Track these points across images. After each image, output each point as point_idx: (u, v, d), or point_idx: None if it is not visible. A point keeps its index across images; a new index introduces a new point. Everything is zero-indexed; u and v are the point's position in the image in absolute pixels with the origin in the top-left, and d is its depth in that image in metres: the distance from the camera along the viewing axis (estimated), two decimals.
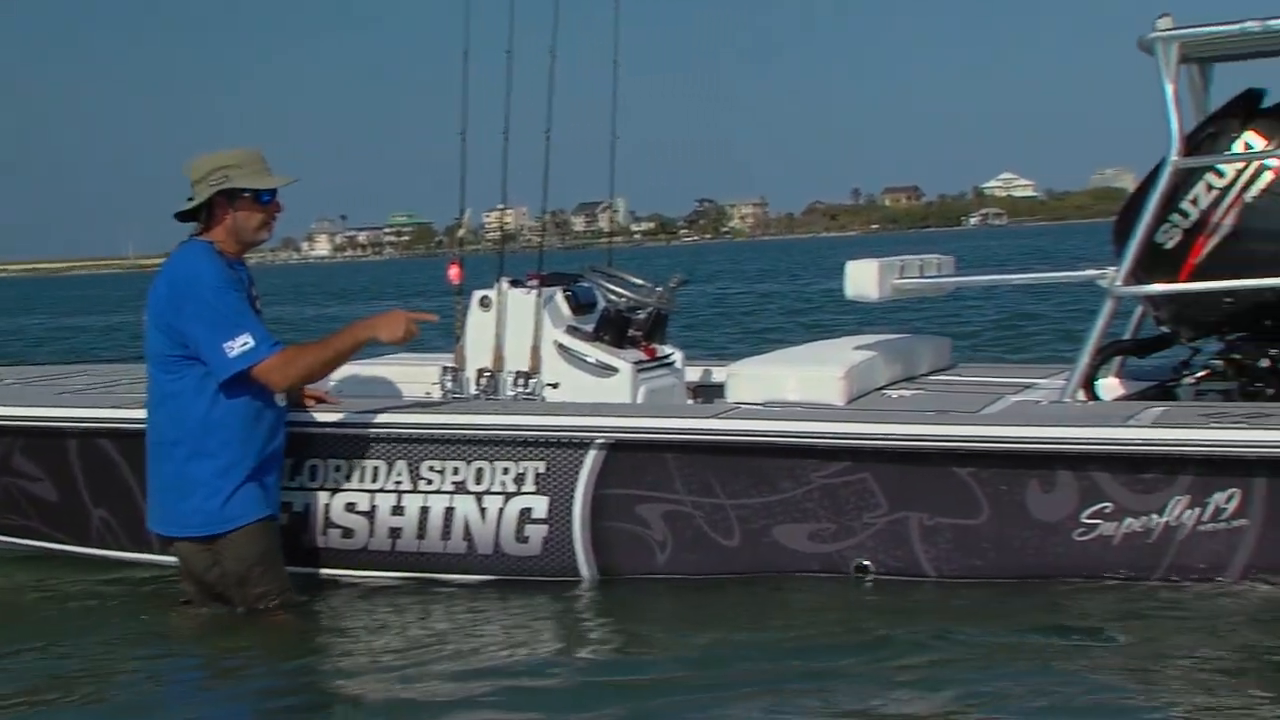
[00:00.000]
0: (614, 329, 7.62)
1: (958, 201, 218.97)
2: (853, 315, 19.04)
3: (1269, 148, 6.89)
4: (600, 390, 7.35)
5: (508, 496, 6.82)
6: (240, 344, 6.29)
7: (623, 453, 6.70)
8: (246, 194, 6.50)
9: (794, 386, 7.11)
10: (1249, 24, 6.88)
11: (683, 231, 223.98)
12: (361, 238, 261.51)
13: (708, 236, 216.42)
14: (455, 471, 6.86)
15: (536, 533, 6.80)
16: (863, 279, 7.51)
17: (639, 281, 7.82)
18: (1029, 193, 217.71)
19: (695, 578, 6.66)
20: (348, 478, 6.94)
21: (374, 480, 6.94)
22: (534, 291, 7.46)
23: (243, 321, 6.34)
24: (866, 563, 6.51)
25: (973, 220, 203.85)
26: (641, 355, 7.63)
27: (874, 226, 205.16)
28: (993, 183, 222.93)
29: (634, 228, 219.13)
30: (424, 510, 6.90)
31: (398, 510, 6.93)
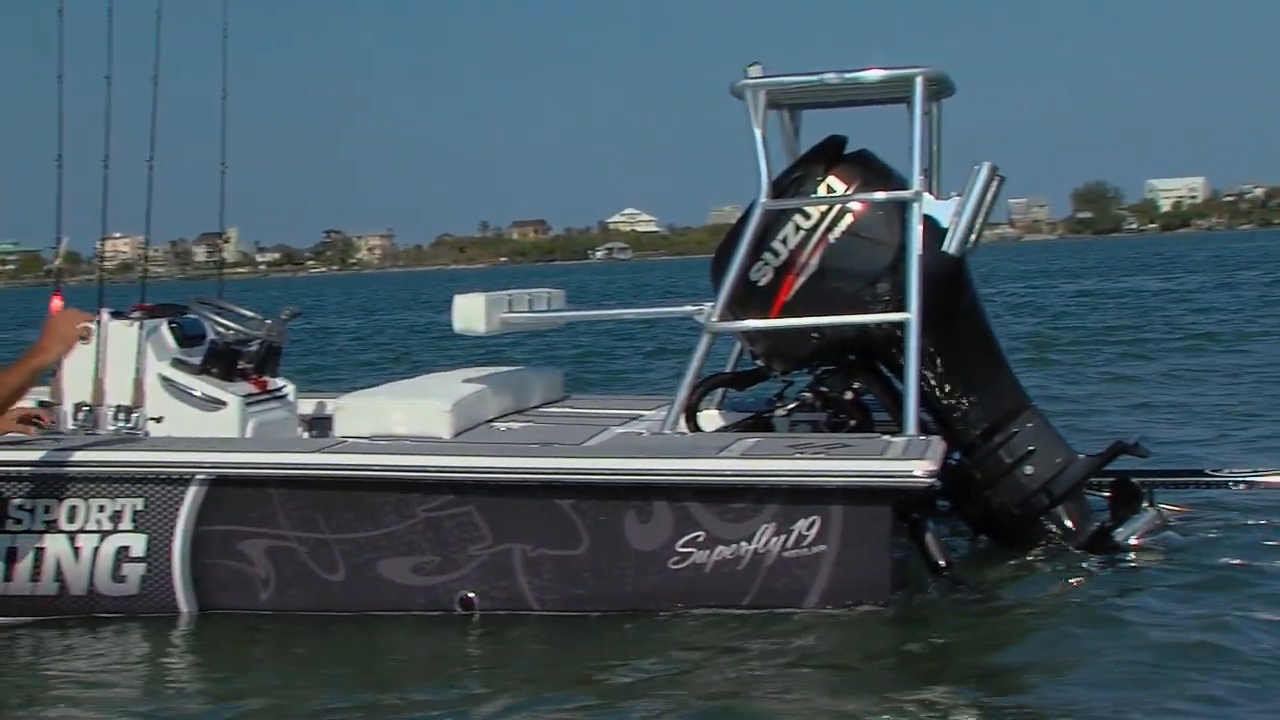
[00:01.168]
0: (222, 362, 7.51)
1: (583, 235, 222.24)
2: (523, 347, 19.11)
3: (849, 191, 7.28)
4: (207, 424, 7.23)
5: (103, 535, 6.63)
6: None
7: (225, 488, 6.60)
8: None
9: (400, 419, 7.15)
10: (828, 75, 7.29)
11: (310, 262, 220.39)
12: None
13: (335, 268, 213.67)
14: (46, 510, 6.63)
15: (134, 571, 6.63)
16: (470, 313, 7.60)
17: (248, 313, 7.74)
18: (652, 228, 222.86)
19: (300, 613, 6.60)
20: None
21: None
22: (136, 323, 7.30)
23: None
24: (471, 595, 6.57)
25: (598, 254, 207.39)
26: (251, 388, 7.55)
27: (502, 259, 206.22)
28: (617, 217, 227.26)
29: (259, 258, 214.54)
30: (11, 551, 6.64)
31: None
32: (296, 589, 6.61)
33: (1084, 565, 7.22)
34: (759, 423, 7.82)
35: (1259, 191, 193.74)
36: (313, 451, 6.77)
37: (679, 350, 21.23)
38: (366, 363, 24.57)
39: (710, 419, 7.98)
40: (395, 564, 6.58)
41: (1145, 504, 7.61)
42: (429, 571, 6.57)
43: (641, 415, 8.16)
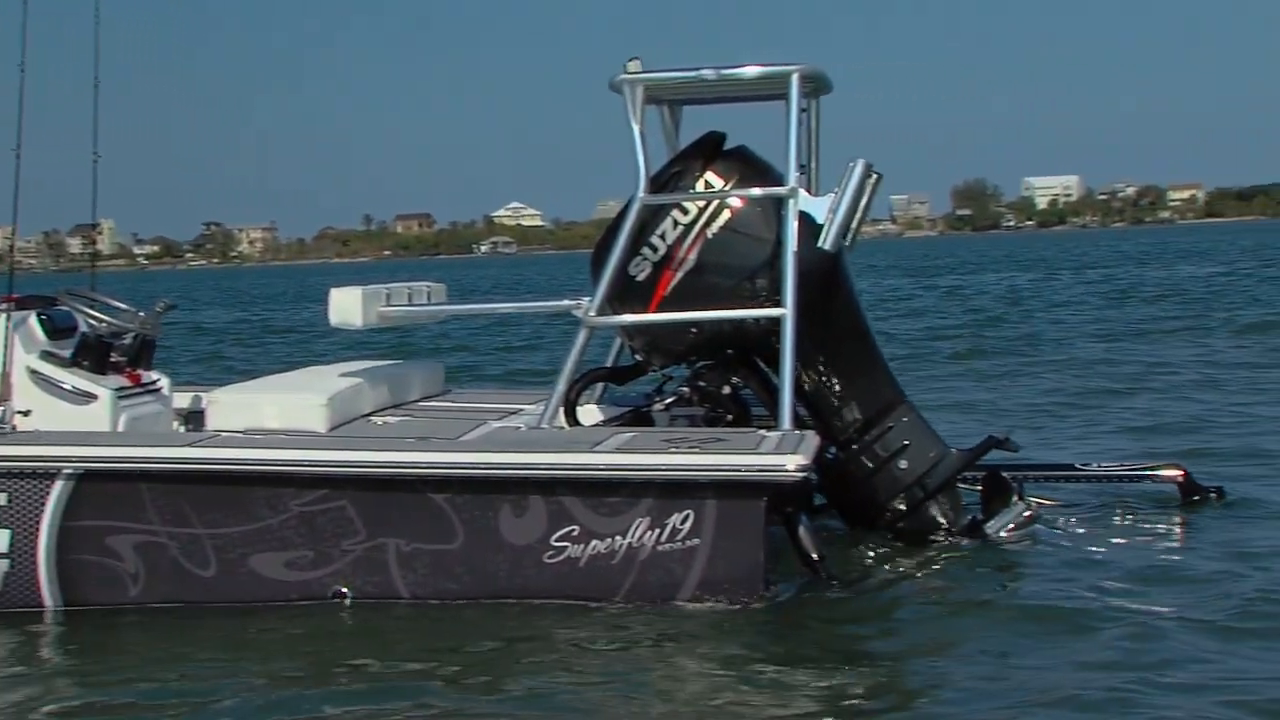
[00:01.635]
0: (93, 354, 7.37)
1: (468, 229, 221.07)
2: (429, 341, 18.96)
3: (726, 187, 7.31)
4: (78, 418, 7.09)
5: None
6: None
7: (92, 483, 6.49)
8: None
9: (274, 414, 7.07)
10: (705, 71, 7.32)
11: (189, 255, 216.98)
12: None
13: (215, 261, 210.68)
14: None
15: None
16: (346, 306, 7.54)
17: (121, 306, 7.61)
18: (538, 222, 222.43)
19: (171, 608, 6.52)
20: None
21: None
22: (3, 315, 7.15)
23: None
24: (344, 590, 6.53)
25: (483, 248, 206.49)
26: (124, 381, 7.41)
27: (386, 253, 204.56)
28: (502, 212, 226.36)
29: (137, 250, 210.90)
30: None
31: None
32: (167, 584, 6.53)
33: (955, 557, 7.33)
34: (638, 417, 7.82)
35: (1130, 190, 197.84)
36: (183, 445, 6.68)
37: (553, 345, 21.26)
38: (241, 357, 24.27)
39: (589, 414, 7.97)
40: (268, 559, 6.52)
41: (1015, 497, 7.75)
42: (302, 567, 6.52)
43: (521, 410, 8.13)
